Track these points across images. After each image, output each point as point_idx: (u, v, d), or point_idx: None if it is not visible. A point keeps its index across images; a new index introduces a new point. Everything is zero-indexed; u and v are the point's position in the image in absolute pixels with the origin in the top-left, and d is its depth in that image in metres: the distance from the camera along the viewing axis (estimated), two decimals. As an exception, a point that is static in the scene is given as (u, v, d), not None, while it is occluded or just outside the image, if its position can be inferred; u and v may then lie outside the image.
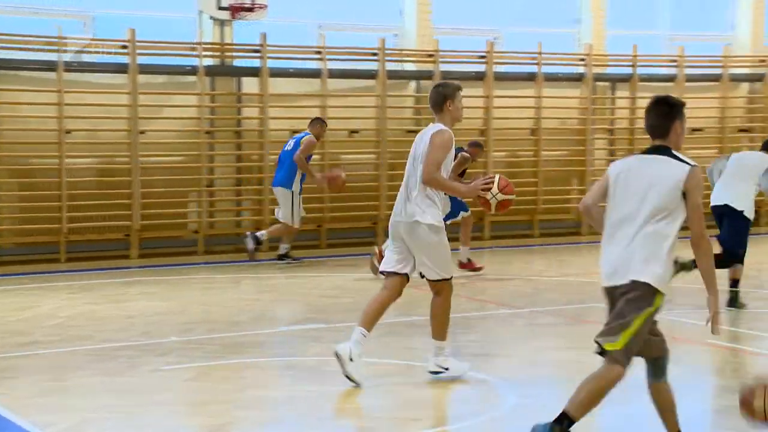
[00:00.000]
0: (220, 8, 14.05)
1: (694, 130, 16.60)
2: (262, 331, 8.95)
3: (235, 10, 14.01)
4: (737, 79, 17.07)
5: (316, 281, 11.88)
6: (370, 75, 14.89)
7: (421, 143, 6.81)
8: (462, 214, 11.71)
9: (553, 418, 4.82)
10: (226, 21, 14.20)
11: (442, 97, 6.87)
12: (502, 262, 13.18)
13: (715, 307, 4.93)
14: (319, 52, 14.62)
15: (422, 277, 6.89)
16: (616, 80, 16.48)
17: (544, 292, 10.92)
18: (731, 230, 9.15)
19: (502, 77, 15.63)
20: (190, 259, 13.53)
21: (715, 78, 16.80)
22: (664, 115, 5.03)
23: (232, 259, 13.49)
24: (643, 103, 16.33)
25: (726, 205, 9.28)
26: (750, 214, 9.23)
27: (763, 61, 16.98)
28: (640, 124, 16.42)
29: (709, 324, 4.93)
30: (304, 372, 7.41)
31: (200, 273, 12.57)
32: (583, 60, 16.01)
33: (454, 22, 15.91)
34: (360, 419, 6.39)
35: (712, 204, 9.39)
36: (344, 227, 14.88)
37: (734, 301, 9.53)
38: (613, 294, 4.94)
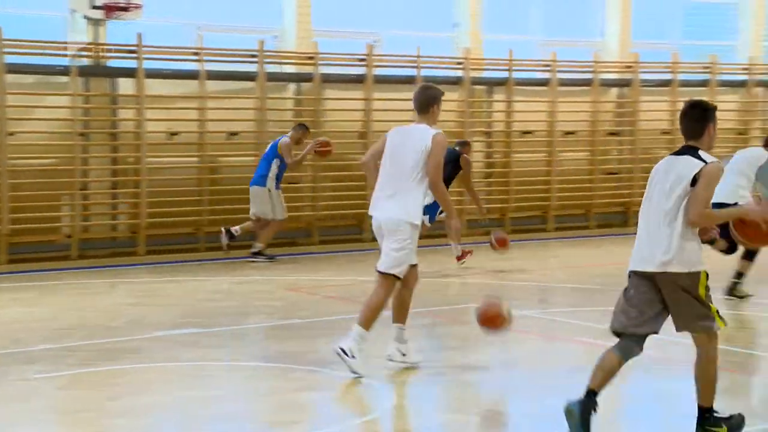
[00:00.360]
0: (94, 7, 13.69)
1: (567, 133, 17.00)
2: (137, 336, 8.75)
3: (110, 10, 13.68)
4: (607, 84, 17.52)
5: (194, 285, 11.69)
6: (249, 77, 14.75)
7: (408, 142, 6.96)
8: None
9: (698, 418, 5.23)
10: (100, 20, 13.85)
11: (432, 98, 7.12)
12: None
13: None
14: (196, 53, 14.40)
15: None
16: (492, 84, 16.73)
17: (423, 294, 10.95)
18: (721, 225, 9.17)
19: (381, 80, 15.68)
20: (63, 264, 13.15)
21: (586, 83, 17.22)
22: (699, 118, 5.46)
23: (107, 264, 13.17)
24: (519, 106, 16.79)
25: (718, 203, 9.37)
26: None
27: (630, 66, 17.47)
28: (517, 126, 16.78)
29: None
30: (180, 377, 7.27)
31: (74, 278, 12.22)
32: (460, 64, 16.20)
33: (333, 25, 15.89)
34: (237, 423, 6.30)
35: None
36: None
37: (732, 290, 9.95)
38: (654, 278, 5.33)
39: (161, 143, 14.26)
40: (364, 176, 15.62)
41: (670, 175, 5.37)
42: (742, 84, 18.40)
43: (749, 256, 9.93)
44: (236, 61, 14.78)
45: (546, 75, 16.85)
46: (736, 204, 8.83)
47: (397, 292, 7.21)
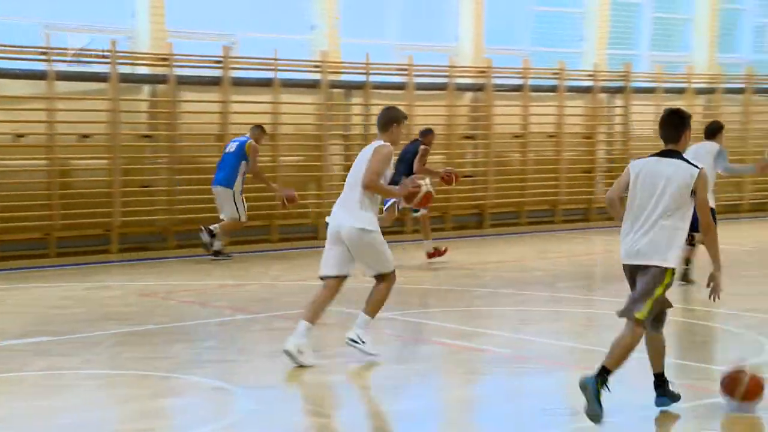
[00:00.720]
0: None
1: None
2: (-17, 346, 8.37)
3: (-48, 7, 13.09)
4: (462, 88, 17.82)
5: (43, 292, 11.29)
6: (102, 78, 14.36)
7: (362, 159, 7.66)
8: (422, 211, 12.90)
9: (596, 372, 5.89)
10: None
11: (392, 119, 7.80)
12: (240, 268, 13.07)
13: (717, 280, 6.10)
14: (45, 53, 13.93)
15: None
16: (350, 87, 16.79)
17: (282, 297, 10.92)
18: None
19: (238, 82, 15.52)
20: None
21: (442, 87, 17.48)
22: (677, 124, 6.15)
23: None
24: (377, 109, 16.74)
25: None
26: None
27: (484, 72, 17.83)
28: (374, 130, 16.86)
29: (710, 290, 6.12)
30: (29, 388, 7.00)
31: None
32: (318, 67, 16.19)
33: (188, 26, 15.63)
34: (90, 433, 6.10)
35: None
36: (74, 235, 14.25)
37: (685, 277, 11.01)
38: (633, 270, 6.07)
39: (8, 145, 13.73)
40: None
41: (661, 177, 6.01)
42: (587, 90, 19.02)
43: (691, 242, 10.64)
44: (88, 61, 14.36)
45: (403, 79, 17.01)
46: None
47: (375, 285, 7.78)
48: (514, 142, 18.30)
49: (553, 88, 18.53)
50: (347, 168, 16.77)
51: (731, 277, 12.18)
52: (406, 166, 12.74)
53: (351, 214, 7.54)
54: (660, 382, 6.34)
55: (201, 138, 15.34)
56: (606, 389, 5.89)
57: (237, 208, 13.51)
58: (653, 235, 5.98)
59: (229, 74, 15.30)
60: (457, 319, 9.59)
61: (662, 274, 6.01)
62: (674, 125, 6.14)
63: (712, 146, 11.18)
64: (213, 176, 13.77)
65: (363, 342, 7.68)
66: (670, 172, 6.02)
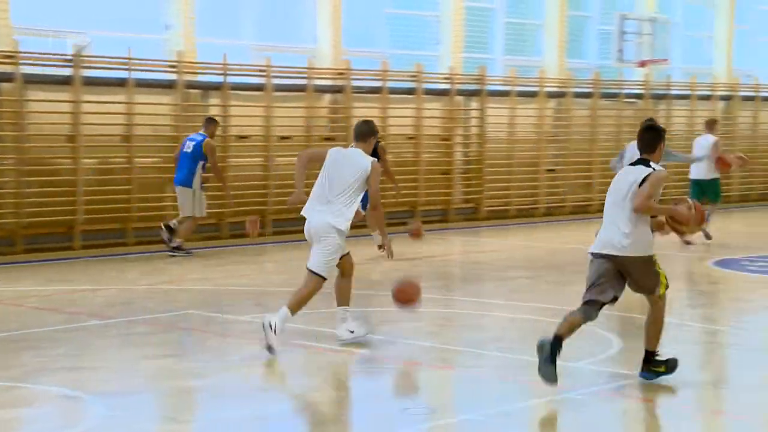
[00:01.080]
0: None
1: (283, 137, 17.09)
2: None
3: None
4: (321, 90, 17.80)
5: None
6: (-57, 75, 13.71)
7: (346, 162, 8.22)
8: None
9: (643, 359, 6.89)
10: None
11: (372, 132, 8.43)
12: (95, 272, 12.70)
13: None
14: None
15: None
16: (207, 88, 16.53)
17: (139, 301, 10.65)
18: None
19: (90, 82, 15.07)
20: None
21: (301, 88, 17.41)
22: (653, 137, 7.06)
23: None
24: (235, 110, 16.67)
25: None
26: None
27: (342, 73, 17.85)
28: (233, 131, 16.66)
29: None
30: None
31: None
32: (174, 67, 15.88)
33: (36, 23, 15.09)
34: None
35: None
36: None
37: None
38: (604, 258, 6.87)
39: None
40: (74, 182, 14.92)
41: (624, 183, 6.94)
42: (444, 92, 19.29)
43: None
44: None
45: (261, 80, 16.87)
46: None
47: (336, 281, 8.32)
48: (372, 144, 18.37)
49: (411, 91, 18.71)
50: (207, 170, 16.65)
51: (578, 275, 12.57)
52: None
53: (332, 214, 8.16)
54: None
55: (51, 139, 14.83)
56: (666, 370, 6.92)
57: (194, 206, 13.92)
58: (622, 229, 6.85)
59: (81, 73, 14.85)
60: (316, 321, 9.55)
61: (649, 260, 6.95)
62: (650, 137, 7.08)
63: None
64: (68, 179, 13.76)
65: (352, 331, 8.30)
66: (633, 177, 6.89)
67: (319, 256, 8.16)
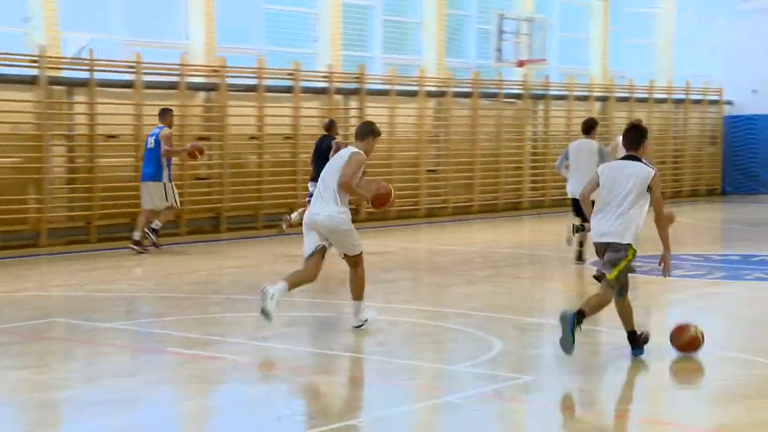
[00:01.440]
0: None
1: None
2: None
3: None
4: (194, 87, 17.51)
5: None
6: None
7: (339, 161, 9.01)
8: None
9: (575, 311, 7.72)
10: None
11: (371, 131, 9.17)
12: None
13: (667, 260, 7.97)
14: None
15: (343, 257, 9.07)
16: (72, 84, 16.07)
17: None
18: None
19: (-55, 77, 14.48)
20: None
21: (173, 86, 17.10)
22: (639, 136, 8.10)
23: None
24: (103, 108, 16.25)
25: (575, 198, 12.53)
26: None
27: (217, 71, 17.61)
28: (101, 130, 16.23)
29: (662, 269, 8.00)
30: None
31: None
32: (35, 62, 15.38)
33: None
34: None
35: (570, 196, 13.03)
36: None
37: (580, 257, 13.20)
38: (603, 246, 7.99)
39: None
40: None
41: (624, 177, 7.90)
42: (323, 91, 19.23)
43: (581, 228, 12.39)
44: None
45: (131, 77, 16.49)
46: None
47: (305, 273, 8.99)
48: (250, 144, 18.20)
49: (288, 89, 18.58)
50: (71, 170, 16.26)
51: (459, 276, 12.71)
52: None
53: (328, 206, 8.89)
54: (632, 338, 8.06)
55: None
56: (579, 329, 7.69)
57: (167, 198, 14.67)
58: (619, 220, 7.87)
59: (-65, 68, 14.24)
60: (191, 327, 9.37)
61: (624, 249, 7.89)
62: (635, 136, 8.10)
63: (592, 144, 13.09)
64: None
65: (366, 320, 9.02)
66: (632, 172, 7.90)
67: (344, 243, 8.99)
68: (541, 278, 12.82)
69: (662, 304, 10.82)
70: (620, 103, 24.86)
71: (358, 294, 9.02)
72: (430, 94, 20.93)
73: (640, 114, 25.19)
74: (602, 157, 12.57)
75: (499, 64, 21.69)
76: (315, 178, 11.66)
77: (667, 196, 25.66)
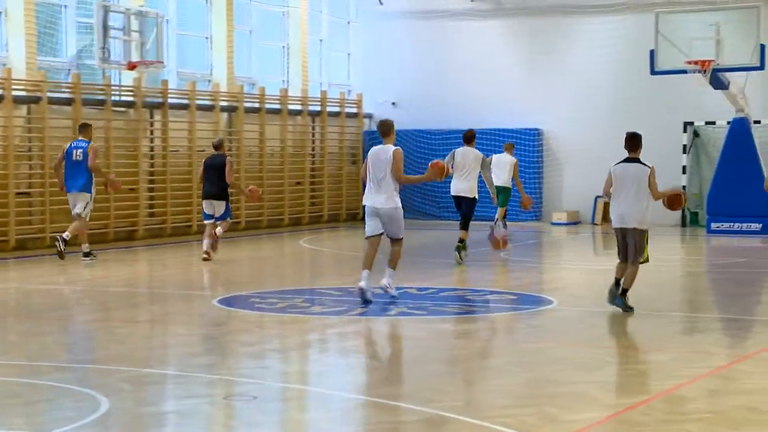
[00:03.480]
0: None
1: None
2: None
3: None
4: (17, 100, 18.71)
5: None
6: None
7: (382, 156, 13.09)
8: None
9: (620, 292, 12.39)
10: None
11: (392, 126, 13.33)
12: None
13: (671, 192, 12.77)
14: None
15: (389, 236, 13.23)
16: None
17: None
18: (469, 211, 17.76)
19: None
20: None
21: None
22: (637, 142, 12.45)
23: None
24: None
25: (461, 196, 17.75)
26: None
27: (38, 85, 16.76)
28: None
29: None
30: None
31: None
32: None
33: None
34: None
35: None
36: None
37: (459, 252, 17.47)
38: (623, 232, 12.34)
39: None
40: None
41: (628, 174, 12.36)
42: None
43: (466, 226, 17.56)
44: None
45: None
46: (474, 198, 17.60)
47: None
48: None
49: (100, 103, 18.05)
50: None
51: (59, 322, 12.19)
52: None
53: (389, 198, 13.09)
54: (624, 293, 12.46)
55: None
56: (627, 303, 12.42)
57: (85, 210, 17.55)
58: (632, 209, 12.31)
59: None
60: None
61: (643, 233, 12.42)
62: (636, 142, 12.51)
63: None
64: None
65: (396, 295, 13.30)
66: (636, 171, 12.34)
67: (397, 227, 13.23)
68: (162, 321, 12.60)
69: (299, 345, 10.96)
70: (250, 115, 25.18)
71: (394, 264, 13.37)
72: (18, 100, 19.89)
73: (273, 127, 25.74)
74: (485, 170, 17.62)
75: (105, 66, 21.14)
76: (210, 197, 17.90)
77: (304, 222, 26.33)
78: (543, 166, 27.65)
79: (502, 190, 19.73)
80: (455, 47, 28.25)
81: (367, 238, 13.19)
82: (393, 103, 28.86)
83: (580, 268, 18.26)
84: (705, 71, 21.96)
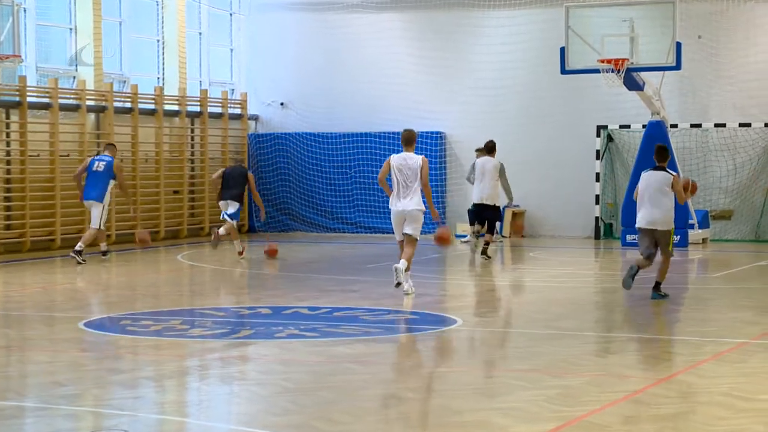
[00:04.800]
0: None
1: None
2: None
3: None
4: None
5: None
6: None
7: (411, 163, 15.92)
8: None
9: (653, 287, 15.45)
10: None
11: (415, 136, 16.27)
12: None
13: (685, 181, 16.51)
14: None
15: (405, 234, 15.88)
16: None
17: None
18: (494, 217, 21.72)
19: None
20: None
21: None
22: (666, 154, 15.67)
23: None
24: None
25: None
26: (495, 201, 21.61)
27: None
28: None
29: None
30: None
31: None
32: None
33: None
34: None
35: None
36: None
37: (485, 252, 21.04)
38: (651, 233, 15.33)
39: None
40: None
41: (654, 180, 15.33)
42: None
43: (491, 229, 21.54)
44: None
45: None
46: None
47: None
48: None
49: None
50: None
51: None
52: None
53: (414, 200, 15.78)
54: (656, 286, 15.37)
55: None
56: (661, 293, 15.34)
57: (102, 219, 20.80)
58: (658, 210, 15.18)
59: None
60: None
61: (669, 233, 15.40)
62: (664, 153, 15.58)
63: (495, 163, 21.36)
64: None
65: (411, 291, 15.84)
66: (660, 177, 15.29)
67: (416, 227, 15.86)
68: (20, 347, 12.40)
69: (176, 372, 10.89)
70: (120, 116, 24.93)
71: (409, 258, 15.78)
72: None
73: (147, 130, 25.52)
74: (502, 174, 21.41)
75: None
76: (227, 198, 21.51)
77: (182, 235, 26.09)
78: (446, 173, 27.86)
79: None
80: (349, 42, 28.33)
81: (399, 242, 16.12)
82: (281, 104, 28.89)
83: (487, 285, 18.45)
84: (619, 71, 22.35)
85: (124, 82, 25.80)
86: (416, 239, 15.86)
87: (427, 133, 27.37)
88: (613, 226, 26.55)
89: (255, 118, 29.27)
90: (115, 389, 10.10)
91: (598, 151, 26.34)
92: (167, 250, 24.04)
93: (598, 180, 26.26)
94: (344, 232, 27.32)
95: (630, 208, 24.19)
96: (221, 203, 21.71)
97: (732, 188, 25.79)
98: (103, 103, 24.49)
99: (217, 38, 28.92)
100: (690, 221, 23.99)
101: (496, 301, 15.76)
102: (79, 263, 20.14)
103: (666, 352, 12.11)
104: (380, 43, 28.07)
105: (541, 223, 27.17)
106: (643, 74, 23.28)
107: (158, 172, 25.91)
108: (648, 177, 15.48)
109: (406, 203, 15.77)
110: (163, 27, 26.83)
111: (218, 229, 21.53)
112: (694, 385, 9.95)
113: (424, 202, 15.93)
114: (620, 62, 22.37)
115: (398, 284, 15.56)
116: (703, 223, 24.75)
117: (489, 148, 21.60)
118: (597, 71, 22.77)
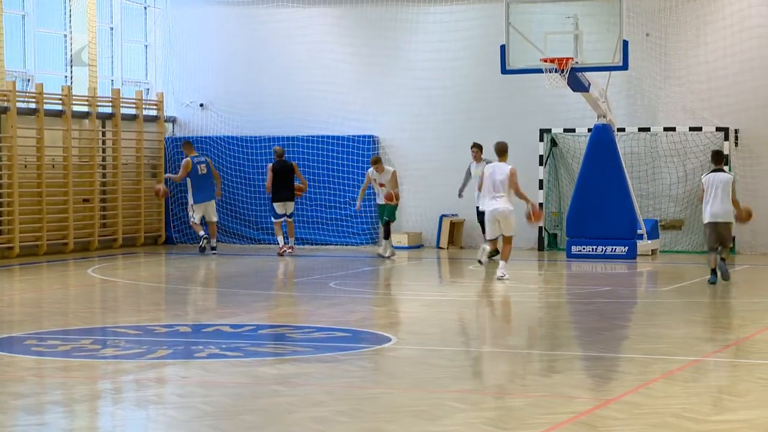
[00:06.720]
0: None
1: None
2: None
3: None
4: None
5: None
6: None
7: (498, 171, 19.95)
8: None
9: (720, 261, 19.35)
10: None
11: (506, 148, 20.25)
12: None
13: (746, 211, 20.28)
14: None
15: (501, 233, 20.06)
16: None
17: None
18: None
19: None
20: None
21: None
22: (720, 157, 19.95)
23: None
24: None
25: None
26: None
27: None
28: None
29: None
30: None
31: None
32: None
33: None
34: None
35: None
36: None
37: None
38: (717, 225, 19.16)
39: None
40: None
41: (719, 181, 19.18)
42: None
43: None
44: None
45: None
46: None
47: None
48: None
49: None
50: None
51: None
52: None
53: (505, 203, 19.73)
54: (723, 260, 19.31)
55: None
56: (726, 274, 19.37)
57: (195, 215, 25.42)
58: (722, 207, 19.08)
59: None
60: None
61: (731, 226, 19.50)
62: (720, 157, 19.81)
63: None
64: None
65: (506, 276, 19.77)
66: (722, 178, 19.21)
67: (509, 226, 19.78)
68: None
69: (86, 396, 10.81)
70: (24, 117, 24.69)
71: (506, 257, 19.90)
72: None
73: (54, 133, 25.32)
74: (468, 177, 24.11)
75: None
76: (283, 199, 25.10)
77: (93, 247, 25.91)
78: (378, 180, 27.82)
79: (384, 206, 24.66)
80: (276, 39, 28.26)
81: (489, 240, 20.17)
82: (201, 105, 28.76)
83: (424, 300, 18.49)
84: (563, 71, 22.50)
85: (28, 80, 25.58)
86: (511, 237, 20.02)
87: (357, 137, 27.36)
88: (558, 236, 26.68)
89: (172, 120, 29.12)
90: (19, 415, 10.00)
91: (541, 157, 26.42)
92: (77, 263, 23.84)
93: (541, 187, 26.25)
94: (270, 244, 27.16)
95: (576, 217, 24.47)
96: (277, 205, 24.93)
97: (683, 196, 25.97)
98: (5, 104, 24.23)
99: (130, 33, 28.75)
100: (639, 231, 24.20)
101: (433, 317, 15.77)
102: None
103: (614, 371, 12.19)
104: (309, 40, 28.01)
105: (480, 234, 27.27)
106: (589, 74, 23.46)
107: (66, 178, 25.67)
108: (712, 178, 19.21)
109: (497, 204, 19.77)
110: (71, 21, 26.61)
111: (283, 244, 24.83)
112: (643, 406, 10.02)
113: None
114: (564, 61, 22.53)
115: (480, 262, 20.48)
116: (653, 234, 24.91)
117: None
118: (540, 71, 22.93)
